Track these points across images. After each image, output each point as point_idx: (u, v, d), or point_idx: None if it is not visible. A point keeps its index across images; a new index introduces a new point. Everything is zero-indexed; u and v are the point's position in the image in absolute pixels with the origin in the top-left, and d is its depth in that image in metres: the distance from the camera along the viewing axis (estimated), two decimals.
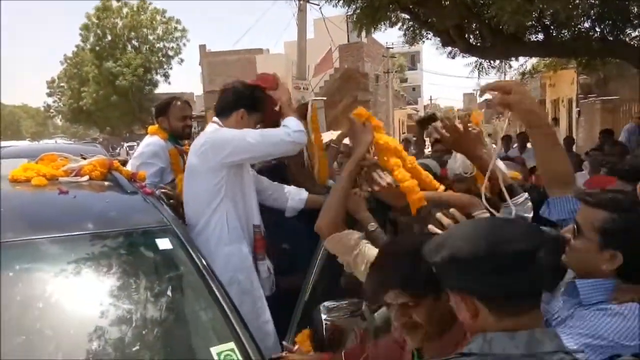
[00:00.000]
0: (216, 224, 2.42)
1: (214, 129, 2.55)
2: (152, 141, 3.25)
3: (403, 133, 25.77)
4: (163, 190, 2.64)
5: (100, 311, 1.64)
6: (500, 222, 1.17)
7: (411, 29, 7.51)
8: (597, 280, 1.37)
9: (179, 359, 1.62)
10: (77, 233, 1.81)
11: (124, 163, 3.26)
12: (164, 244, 1.86)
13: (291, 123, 2.47)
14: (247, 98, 2.56)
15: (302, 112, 2.78)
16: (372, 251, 1.73)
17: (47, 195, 2.13)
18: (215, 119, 2.60)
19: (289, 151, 2.55)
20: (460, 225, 1.21)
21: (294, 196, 2.81)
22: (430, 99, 47.71)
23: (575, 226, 1.43)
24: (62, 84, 40.31)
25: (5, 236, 1.67)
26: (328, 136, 3.64)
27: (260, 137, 2.44)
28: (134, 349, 1.56)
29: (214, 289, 1.76)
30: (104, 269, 1.77)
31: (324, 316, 1.85)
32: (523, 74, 11.91)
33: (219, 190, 2.43)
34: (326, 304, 1.92)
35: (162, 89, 34.60)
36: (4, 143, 11.76)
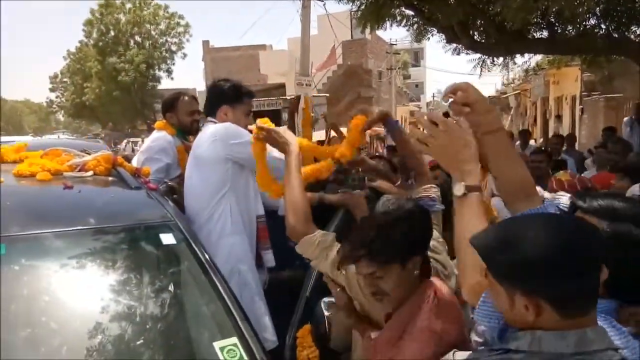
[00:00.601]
0: (220, 216, 2.43)
1: (216, 125, 2.55)
2: (159, 136, 3.25)
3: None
4: (170, 184, 2.65)
5: (104, 305, 1.65)
6: (570, 225, 1.10)
7: (416, 25, 7.50)
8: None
9: (182, 354, 1.63)
10: (82, 228, 1.81)
11: (129, 159, 3.26)
12: (167, 239, 1.87)
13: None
14: (226, 93, 2.56)
15: (294, 106, 2.80)
16: None
17: (51, 190, 2.14)
18: (209, 118, 2.61)
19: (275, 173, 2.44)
20: (528, 222, 1.11)
21: None
22: (433, 96, 47.61)
23: None
24: (65, 80, 40.35)
25: (10, 230, 1.67)
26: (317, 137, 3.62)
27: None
28: (137, 343, 1.57)
29: (217, 284, 1.76)
30: (108, 263, 1.78)
31: (325, 312, 1.86)
32: (527, 70, 11.87)
33: (224, 182, 2.44)
34: (326, 299, 1.92)
35: (165, 84, 34.65)
36: (6, 138, 11.78)
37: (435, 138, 1.37)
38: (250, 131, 2.94)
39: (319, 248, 1.75)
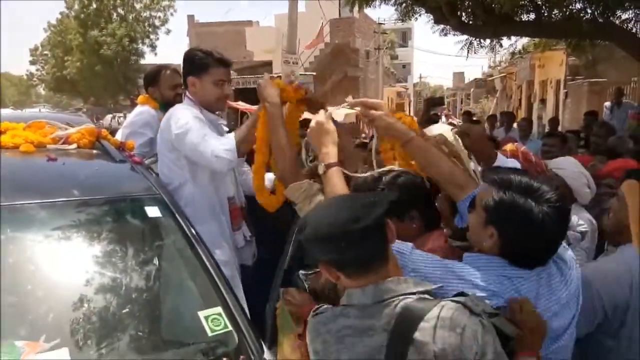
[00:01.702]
0: (185, 204, 2.32)
1: (176, 108, 2.47)
2: (143, 110, 3.23)
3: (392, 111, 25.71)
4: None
5: (90, 276, 1.67)
6: (351, 200, 1.38)
7: (404, 4, 7.46)
8: (480, 256, 1.40)
9: (168, 323, 1.67)
10: (67, 199, 1.83)
11: (114, 133, 3.25)
12: (153, 211, 1.89)
13: (225, 144, 2.29)
14: (191, 64, 2.46)
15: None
16: None
17: (35, 162, 2.13)
18: (186, 94, 2.55)
19: (215, 169, 2.38)
20: (322, 205, 1.43)
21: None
22: (420, 77, 47.59)
23: (471, 201, 1.49)
24: (45, 52, 39.34)
25: None
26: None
27: (192, 147, 2.29)
28: (123, 312, 1.60)
29: (202, 255, 1.80)
30: (94, 234, 1.80)
31: (305, 283, 1.91)
32: (513, 53, 11.93)
33: (181, 171, 2.39)
34: (303, 272, 1.97)
35: (149, 59, 33.97)
36: None
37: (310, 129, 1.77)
38: (231, 106, 2.92)
39: (305, 194, 1.84)
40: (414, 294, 1.22)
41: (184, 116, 2.35)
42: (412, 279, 1.27)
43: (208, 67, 2.43)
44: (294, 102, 2.29)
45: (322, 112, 1.83)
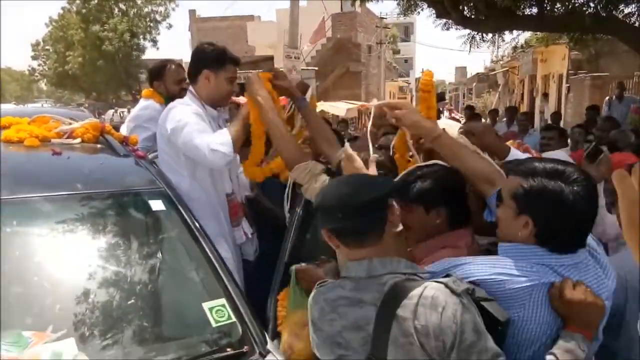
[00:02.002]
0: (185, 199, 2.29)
1: (174, 104, 2.44)
2: (148, 105, 3.23)
3: None
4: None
5: (95, 268, 1.70)
6: (360, 178, 1.54)
7: None
8: (515, 245, 1.38)
9: (173, 314, 1.69)
10: (72, 192, 1.85)
11: (117, 127, 3.26)
12: (156, 205, 1.91)
13: (220, 138, 2.27)
14: (210, 57, 2.44)
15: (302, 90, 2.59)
16: None
17: (40, 156, 2.15)
18: (190, 88, 2.52)
19: (210, 164, 2.35)
20: (335, 181, 1.54)
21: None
22: (422, 72, 47.37)
23: (498, 195, 1.46)
24: (47, 47, 39.25)
25: (1, 193, 1.70)
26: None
27: (187, 142, 2.27)
28: (129, 304, 1.63)
29: (206, 248, 1.82)
30: (98, 227, 1.82)
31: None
32: (515, 47, 11.88)
33: (179, 167, 2.38)
34: (295, 266, 1.98)
35: (150, 54, 33.94)
36: None
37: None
38: (234, 101, 2.91)
39: (310, 174, 1.89)
40: (404, 274, 1.31)
41: (181, 111, 2.35)
42: (405, 261, 1.35)
43: (225, 63, 2.44)
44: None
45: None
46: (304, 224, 2.32)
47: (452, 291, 1.23)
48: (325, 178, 1.85)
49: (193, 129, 2.27)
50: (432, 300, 1.21)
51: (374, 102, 2.07)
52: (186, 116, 2.31)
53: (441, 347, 1.19)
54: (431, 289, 1.23)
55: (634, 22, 6.55)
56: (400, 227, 1.39)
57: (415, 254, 1.59)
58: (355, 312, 1.29)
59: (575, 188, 1.31)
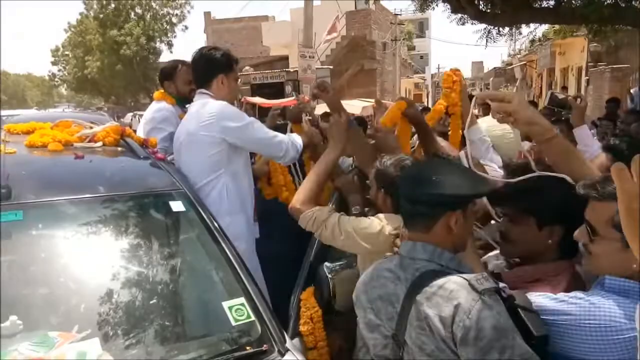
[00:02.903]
0: (215, 196, 2.41)
1: (214, 103, 2.49)
2: (161, 107, 3.28)
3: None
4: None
5: (118, 269, 1.74)
6: (426, 166, 1.60)
7: None
8: (629, 282, 1.20)
9: (194, 313, 1.72)
10: (95, 195, 1.89)
11: (135, 131, 3.32)
12: (177, 206, 1.94)
13: (296, 138, 2.57)
14: (221, 61, 2.56)
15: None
16: (347, 221, 1.83)
17: (63, 160, 2.21)
18: (201, 90, 2.57)
19: (278, 160, 2.65)
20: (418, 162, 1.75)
21: None
22: (438, 68, 47.04)
23: (587, 228, 1.26)
24: (66, 53, 40.01)
25: (26, 197, 1.75)
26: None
27: (267, 138, 2.49)
28: (150, 304, 1.66)
29: (225, 248, 1.85)
30: (120, 229, 1.86)
31: (328, 275, 1.95)
32: (532, 41, 11.70)
33: (218, 163, 2.43)
34: (328, 264, 2.01)
35: (166, 57, 34.32)
36: (10, 112, 11.80)
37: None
38: (249, 101, 3.05)
39: (317, 222, 1.86)
40: (441, 265, 1.35)
41: (234, 109, 2.52)
42: (449, 254, 1.38)
43: (232, 65, 2.60)
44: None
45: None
46: None
47: (473, 288, 1.23)
48: (334, 220, 1.83)
49: (262, 126, 2.52)
50: (450, 293, 1.24)
51: (477, 92, 1.82)
52: (243, 114, 2.52)
53: (450, 339, 1.22)
54: (452, 283, 1.26)
55: None
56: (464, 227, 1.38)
57: (503, 276, 1.51)
58: (391, 287, 1.39)
59: None
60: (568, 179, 1.48)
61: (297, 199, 1.94)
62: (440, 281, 1.28)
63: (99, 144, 2.45)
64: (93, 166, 2.15)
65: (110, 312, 1.62)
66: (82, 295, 1.66)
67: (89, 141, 2.48)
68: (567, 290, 1.36)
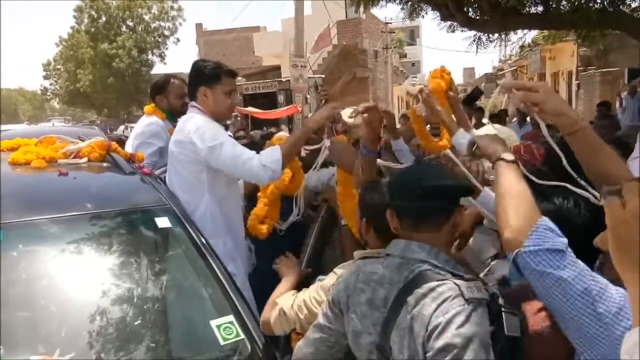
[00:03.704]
0: (198, 217, 2.29)
1: (193, 119, 2.42)
2: (151, 121, 3.26)
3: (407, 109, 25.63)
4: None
5: (102, 288, 1.69)
6: (440, 166, 1.57)
7: (409, 2, 7.45)
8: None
9: (179, 333, 1.67)
10: (78, 213, 1.85)
11: (123, 142, 3.28)
12: (162, 222, 1.90)
13: (271, 155, 2.31)
14: (204, 73, 2.45)
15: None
16: (314, 292, 1.68)
17: (47, 177, 2.16)
18: (192, 103, 2.51)
19: (255, 181, 2.51)
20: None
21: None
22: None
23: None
24: (58, 67, 39.93)
25: (8, 217, 1.70)
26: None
27: (232, 159, 2.29)
28: (135, 324, 1.62)
29: (213, 265, 1.81)
30: (104, 247, 1.82)
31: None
32: (522, 46, 11.78)
33: (200, 184, 2.35)
34: (320, 277, 1.96)
35: (158, 69, 34.37)
36: (2, 127, 11.73)
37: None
38: (242, 112, 2.95)
39: (281, 325, 1.70)
40: (436, 266, 1.30)
41: (211, 128, 2.35)
42: (445, 256, 1.34)
43: (220, 77, 2.45)
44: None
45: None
46: (323, 235, 2.33)
47: (462, 295, 1.21)
48: (299, 302, 1.69)
49: (233, 145, 2.33)
50: (439, 295, 1.22)
51: (503, 81, 1.67)
52: (220, 132, 2.37)
53: (421, 337, 1.21)
54: (445, 287, 1.24)
55: None
56: (459, 231, 1.40)
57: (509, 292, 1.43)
58: (379, 291, 1.35)
59: None
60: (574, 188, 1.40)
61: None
62: (433, 284, 1.25)
63: (84, 159, 2.41)
64: (77, 183, 2.10)
65: (94, 333, 1.57)
66: (64, 317, 1.62)
67: (74, 157, 2.44)
68: None
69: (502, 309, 1.23)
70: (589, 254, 1.28)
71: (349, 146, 2.27)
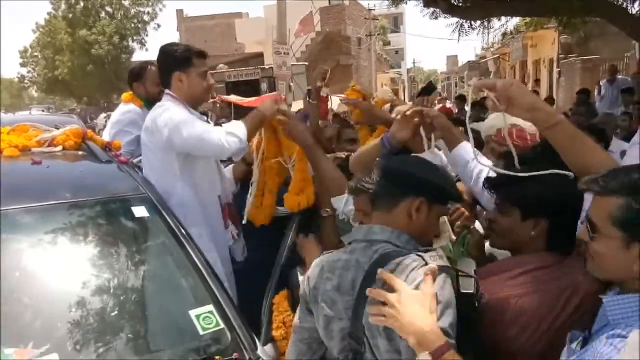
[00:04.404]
0: (174, 206, 2.21)
1: (163, 106, 2.37)
2: (129, 109, 3.21)
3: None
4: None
5: (77, 279, 1.65)
6: (419, 158, 1.60)
7: None
8: (626, 297, 1.09)
9: (157, 323, 1.65)
10: (51, 203, 1.80)
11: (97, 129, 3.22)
12: (139, 211, 1.86)
13: (234, 125, 2.32)
14: (175, 58, 2.38)
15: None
16: None
17: (19, 166, 2.10)
18: (166, 90, 2.45)
19: (221, 157, 2.45)
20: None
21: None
22: (414, 62, 47.38)
23: (588, 225, 1.16)
24: (35, 54, 39.00)
25: None
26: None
27: (196, 136, 2.24)
28: (112, 315, 1.58)
29: (192, 253, 1.78)
30: (79, 237, 1.77)
31: (301, 277, 1.89)
32: (504, 34, 11.84)
33: (172, 173, 2.31)
34: (300, 268, 1.96)
35: (139, 56, 33.81)
36: None
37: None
38: (224, 100, 2.87)
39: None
40: (397, 246, 1.38)
41: (173, 112, 2.29)
42: (407, 236, 1.40)
43: (191, 59, 2.39)
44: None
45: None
46: (302, 229, 2.31)
47: (426, 263, 1.29)
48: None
49: (194, 124, 2.27)
50: (405, 267, 1.30)
51: (473, 81, 1.75)
52: (179, 114, 2.28)
53: None
54: (410, 259, 1.32)
55: (622, 4, 6.52)
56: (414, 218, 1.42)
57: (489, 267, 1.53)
58: (347, 275, 1.39)
59: None
60: (559, 171, 1.42)
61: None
62: (399, 259, 1.32)
63: (59, 148, 2.35)
64: (51, 172, 2.05)
65: (69, 325, 1.54)
66: (38, 308, 1.57)
67: (48, 145, 2.38)
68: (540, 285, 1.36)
69: (459, 273, 1.33)
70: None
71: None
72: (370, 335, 1.31)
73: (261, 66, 16.51)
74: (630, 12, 6.45)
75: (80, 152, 2.34)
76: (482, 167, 1.69)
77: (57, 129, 2.55)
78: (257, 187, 2.51)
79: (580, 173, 1.38)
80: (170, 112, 2.29)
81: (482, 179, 1.67)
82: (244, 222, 2.53)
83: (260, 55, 20.59)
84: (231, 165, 2.76)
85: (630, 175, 1.10)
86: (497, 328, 1.37)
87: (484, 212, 1.78)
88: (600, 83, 9.37)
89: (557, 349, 1.24)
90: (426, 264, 1.28)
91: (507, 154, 1.60)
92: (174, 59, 2.39)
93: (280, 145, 2.51)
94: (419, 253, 1.32)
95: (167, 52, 2.42)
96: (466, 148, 1.77)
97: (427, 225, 1.44)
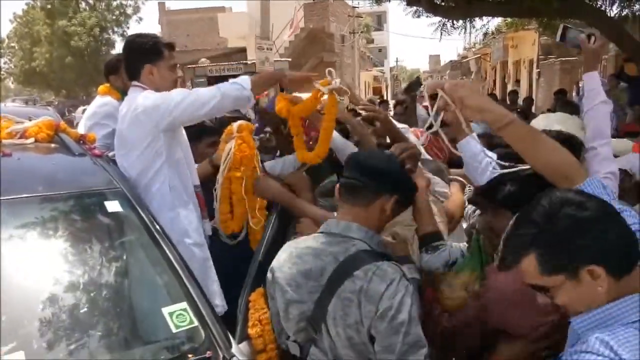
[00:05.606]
0: (157, 191, 2.25)
1: (142, 95, 2.29)
2: (105, 102, 3.15)
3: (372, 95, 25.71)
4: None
5: (47, 275, 1.60)
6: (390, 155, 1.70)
7: None
8: (594, 314, 1.09)
9: (131, 321, 1.61)
10: (21, 196, 1.74)
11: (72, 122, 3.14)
12: (112, 206, 1.82)
13: (241, 81, 2.22)
14: (145, 50, 2.32)
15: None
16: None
17: None
18: (134, 83, 2.37)
19: (224, 106, 2.24)
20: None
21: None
22: (397, 61, 47.58)
23: (537, 292, 1.16)
24: (12, 44, 38.07)
25: None
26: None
27: (189, 93, 2.20)
28: (83, 312, 1.54)
29: (165, 249, 1.74)
30: (49, 232, 1.72)
31: None
32: (485, 34, 11.95)
33: (157, 156, 2.26)
34: None
35: (120, 49, 33.21)
36: None
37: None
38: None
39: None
40: (371, 247, 1.50)
41: (155, 93, 2.24)
42: (378, 238, 1.55)
43: (162, 52, 2.34)
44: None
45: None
46: (280, 226, 2.29)
47: (404, 276, 1.43)
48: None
49: (186, 92, 2.23)
50: (385, 273, 1.41)
51: (426, 86, 1.91)
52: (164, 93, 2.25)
53: (373, 312, 1.38)
54: (389, 266, 1.43)
55: (601, 6, 6.62)
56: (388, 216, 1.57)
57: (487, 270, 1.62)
58: (314, 262, 1.49)
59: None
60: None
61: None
62: (378, 263, 1.43)
63: (31, 140, 2.29)
64: (21, 164, 1.98)
65: (38, 322, 1.49)
66: (5, 305, 1.52)
67: (20, 137, 2.31)
68: None
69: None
70: None
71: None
72: (333, 324, 1.42)
73: (244, 61, 16.38)
74: (609, 14, 6.55)
75: (52, 145, 2.28)
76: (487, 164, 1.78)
77: (30, 120, 2.48)
78: (222, 194, 2.44)
79: (542, 173, 1.43)
80: (152, 93, 2.26)
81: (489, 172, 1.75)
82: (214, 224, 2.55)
83: (243, 51, 20.41)
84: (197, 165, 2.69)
85: (528, 228, 1.12)
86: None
87: (480, 217, 1.82)
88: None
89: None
90: (404, 275, 1.42)
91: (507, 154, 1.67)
92: (145, 51, 2.33)
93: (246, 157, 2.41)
94: (397, 264, 1.46)
95: (136, 44, 2.36)
96: (471, 143, 1.82)
97: (386, 222, 1.61)
